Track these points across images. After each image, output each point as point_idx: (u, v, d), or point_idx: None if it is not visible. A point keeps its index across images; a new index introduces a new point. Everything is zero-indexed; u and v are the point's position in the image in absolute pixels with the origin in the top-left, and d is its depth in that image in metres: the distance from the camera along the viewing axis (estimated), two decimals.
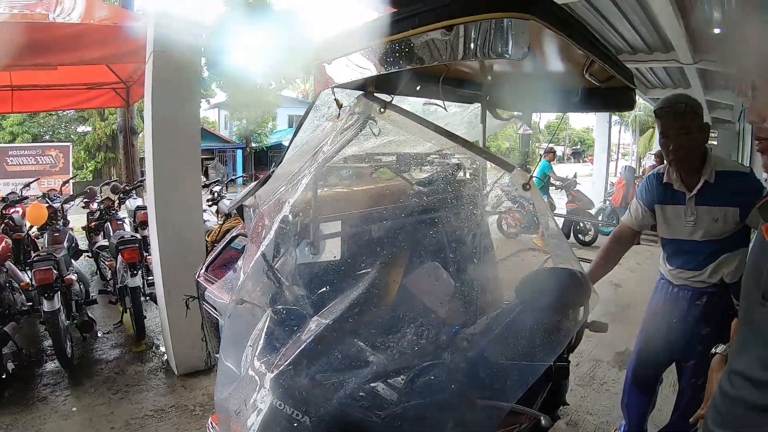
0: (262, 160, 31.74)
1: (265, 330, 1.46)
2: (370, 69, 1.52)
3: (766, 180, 3.41)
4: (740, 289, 1.23)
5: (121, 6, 9.94)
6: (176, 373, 4.10)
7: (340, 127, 1.68)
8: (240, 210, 2.28)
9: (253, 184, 2.33)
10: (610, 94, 2.35)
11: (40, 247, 6.45)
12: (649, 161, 18.76)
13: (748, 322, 1.13)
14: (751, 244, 1.24)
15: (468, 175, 2.47)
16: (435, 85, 2.29)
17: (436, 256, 2.03)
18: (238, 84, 27.36)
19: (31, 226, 6.26)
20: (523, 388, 1.35)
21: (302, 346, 1.36)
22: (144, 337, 4.83)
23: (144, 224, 6.51)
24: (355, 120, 1.70)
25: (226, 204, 6.60)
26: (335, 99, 1.74)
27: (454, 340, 1.59)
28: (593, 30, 7.41)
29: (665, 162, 2.55)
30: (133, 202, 7.27)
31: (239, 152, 30.68)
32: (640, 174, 11.44)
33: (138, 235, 5.23)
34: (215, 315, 2.37)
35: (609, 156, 15.23)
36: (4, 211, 5.74)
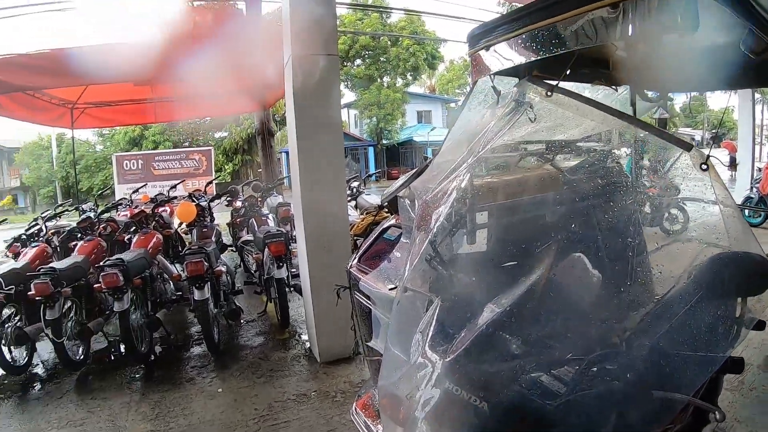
0: (394, 156, 32.66)
1: (435, 317, 1.48)
2: (532, 53, 1.49)
3: None
4: None
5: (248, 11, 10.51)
6: (318, 360, 4.29)
7: (500, 114, 1.65)
8: (393, 201, 2.33)
9: (407, 175, 2.38)
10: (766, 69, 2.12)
11: (187, 243, 7.06)
12: None
13: None
14: None
15: (617, 164, 2.35)
16: (584, 68, 2.20)
17: (589, 246, 1.95)
18: (365, 83, 28.51)
19: (180, 223, 6.84)
20: (701, 379, 1.31)
21: (478, 333, 1.37)
22: (288, 325, 5.12)
23: (285, 219, 6.92)
24: (514, 106, 1.67)
25: (365, 199, 6.87)
26: (493, 86, 1.73)
27: (627, 329, 1.52)
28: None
29: None
30: (273, 200, 7.70)
31: (371, 149, 31.67)
32: None
33: (283, 230, 5.53)
34: (367, 304, 2.44)
35: (755, 139, 13.61)
36: (154, 210, 6.32)
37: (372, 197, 7.27)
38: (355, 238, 5.16)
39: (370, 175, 9.66)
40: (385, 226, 2.84)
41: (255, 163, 26.03)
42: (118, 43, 5.56)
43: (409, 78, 31.46)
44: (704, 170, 1.39)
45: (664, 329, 1.43)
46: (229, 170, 26.68)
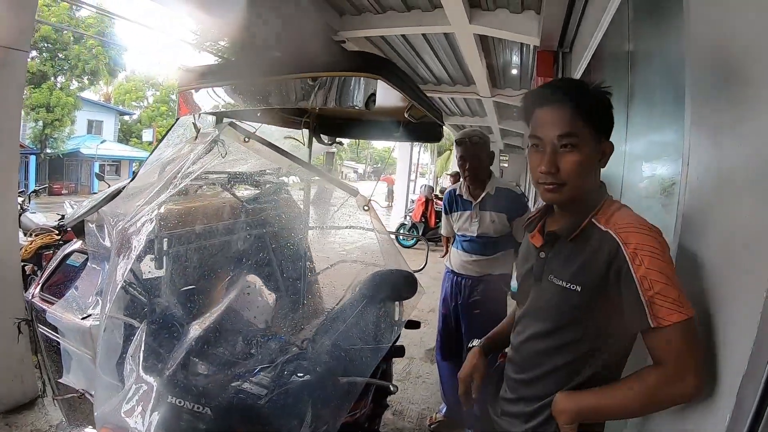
0: (58, 168, 27.89)
1: (143, 341, 1.55)
2: (237, 102, 1.73)
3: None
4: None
5: None
6: None
7: (198, 149, 1.80)
8: (78, 225, 2.22)
9: (95, 199, 2.30)
10: (422, 128, 2.80)
11: None
12: (446, 181, 21.00)
13: (523, 300, 1.51)
14: (520, 248, 1.65)
15: (291, 194, 2.80)
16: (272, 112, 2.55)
17: (267, 268, 2.30)
18: (37, 80, 23.96)
19: None
20: (374, 364, 1.70)
21: (188, 349, 1.54)
22: None
23: None
24: (210, 143, 1.86)
25: (29, 218, 5.97)
26: (194, 123, 1.89)
27: (308, 336, 1.88)
28: (410, 69, 8.22)
29: (461, 179, 3.40)
30: None
31: (32, 158, 26.24)
32: (438, 192, 13.03)
33: None
34: (55, 337, 2.27)
35: (410, 176, 16.72)
36: None
37: (38, 216, 6.49)
38: (23, 263, 4.50)
39: (37, 191, 8.46)
40: (67, 251, 2.67)
41: None
42: None
43: (86, 82, 27.60)
44: (366, 210, 1.82)
45: (340, 330, 1.79)
46: None
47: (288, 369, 1.65)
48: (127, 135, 34.62)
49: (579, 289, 1.29)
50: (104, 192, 2.41)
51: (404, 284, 1.91)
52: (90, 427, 2.33)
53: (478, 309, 3.32)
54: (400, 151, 15.80)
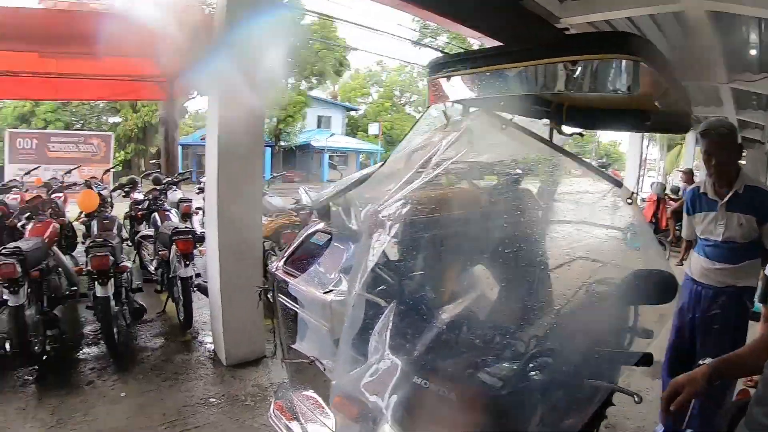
0: (290, 159, 31.97)
1: (391, 320, 1.60)
2: (491, 90, 1.67)
3: None
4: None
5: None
6: (224, 363, 4.18)
7: (449, 137, 1.80)
8: (323, 208, 2.37)
9: (341, 184, 2.43)
10: (670, 118, 2.51)
11: (78, 234, 6.73)
12: (676, 178, 18.67)
13: None
14: None
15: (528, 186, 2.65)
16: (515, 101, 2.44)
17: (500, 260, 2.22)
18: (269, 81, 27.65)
19: (80, 213, 6.35)
20: (618, 370, 1.65)
21: (438, 331, 1.57)
22: (190, 326, 4.91)
23: (187, 215, 6.69)
24: (461, 131, 1.83)
25: (269, 201, 6.70)
26: (444, 111, 1.89)
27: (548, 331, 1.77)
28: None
29: (705, 175, 3.06)
30: (174, 194, 7.35)
31: (268, 150, 30.56)
32: (671, 192, 11.46)
33: (189, 227, 5.32)
34: (293, 307, 2.46)
35: (641, 172, 15.20)
36: (49, 196, 5.83)
37: (276, 199, 7.18)
38: (263, 240, 5.08)
39: (275, 177, 9.51)
40: (310, 230, 2.86)
41: (149, 154, 24.71)
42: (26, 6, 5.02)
43: (314, 82, 31.08)
44: (629, 203, 1.69)
45: (585, 329, 1.66)
46: (120, 158, 24.83)
47: (531, 364, 1.58)
48: (353, 129, 38.25)
49: None
50: (348, 178, 2.55)
51: (662, 287, 1.71)
52: (311, 390, 2.50)
53: (716, 324, 2.95)
54: (630, 144, 14.56)
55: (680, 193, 9.97)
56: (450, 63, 1.89)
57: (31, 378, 3.93)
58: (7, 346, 4.02)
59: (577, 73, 1.54)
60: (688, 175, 10.21)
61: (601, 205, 1.83)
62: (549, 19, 5.94)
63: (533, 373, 1.55)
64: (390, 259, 1.91)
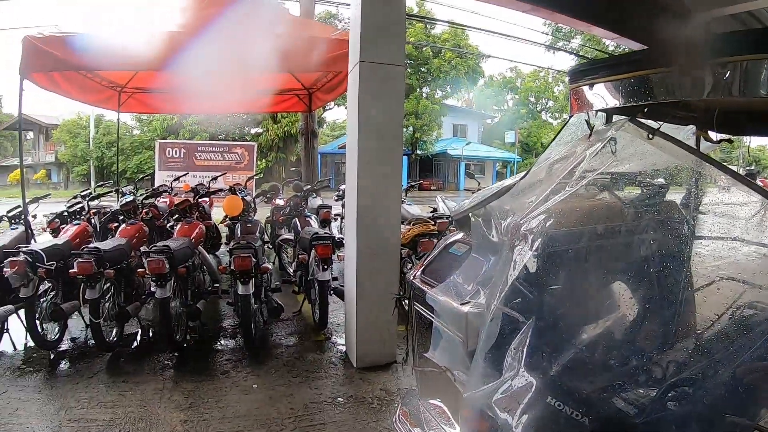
0: (426, 167, 32.58)
1: (529, 337, 1.55)
2: (637, 97, 1.58)
3: None
4: None
5: (304, 16, 10.74)
6: (354, 365, 4.30)
7: (593, 149, 1.73)
8: (462, 219, 2.35)
9: (481, 195, 2.40)
10: None
11: (222, 236, 7.21)
12: None
13: None
14: None
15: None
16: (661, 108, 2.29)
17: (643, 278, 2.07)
18: (406, 91, 28.50)
19: (225, 217, 6.87)
20: (763, 406, 1.44)
21: (576, 352, 1.52)
22: (324, 327, 5.13)
23: (326, 222, 7.01)
24: (605, 141, 1.74)
25: (406, 209, 6.81)
26: (586, 121, 1.82)
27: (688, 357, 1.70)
28: None
29: None
30: (314, 201, 7.70)
31: (404, 159, 31.50)
32: None
33: (329, 233, 5.54)
34: (429, 316, 2.45)
35: None
36: (196, 200, 6.37)
37: (413, 207, 7.25)
38: (401, 248, 5.15)
39: (413, 185, 9.61)
40: (450, 240, 2.84)
41: (288, 162, 26.26)
42: (171, 30, 5.54)
43: (448, 90, 31.43)
44: None
45: (738, 360, 1.52)
46: (261, 167, 26.77)
47: (670, 393, 1.48)
48: (489, 137, 37.95)
49: None
50: (487, 189, 2.52)
51: None
52: (438, 400, 2.46)
53: None
54: None
55: None
56: (592, 69, 1.83)
57: (170, 363, 4.34)
58: (151, 333, 4.48)
59: (729, 75, 1.40)
60: None
61: (750, 220, 1.68)
62: (687, 14, 5.40)
63: (671, 403, 1.45)
64: (530, 272, 1.85)
